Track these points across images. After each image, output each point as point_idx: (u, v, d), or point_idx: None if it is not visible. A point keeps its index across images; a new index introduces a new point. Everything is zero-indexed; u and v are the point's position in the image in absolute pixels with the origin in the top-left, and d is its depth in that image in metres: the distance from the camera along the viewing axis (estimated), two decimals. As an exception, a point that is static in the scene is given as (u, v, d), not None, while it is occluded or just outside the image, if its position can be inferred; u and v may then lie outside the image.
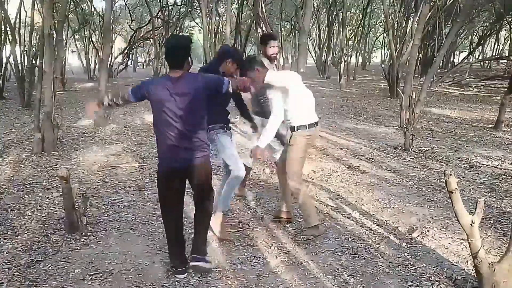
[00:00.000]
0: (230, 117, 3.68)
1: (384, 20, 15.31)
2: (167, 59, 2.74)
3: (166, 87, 2.68)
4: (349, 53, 19.66)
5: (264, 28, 10.70)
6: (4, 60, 11.36)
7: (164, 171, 2.84)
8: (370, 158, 5.94)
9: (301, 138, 3.45)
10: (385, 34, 22.61)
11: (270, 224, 3.78)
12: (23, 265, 3.04)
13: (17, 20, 11.45)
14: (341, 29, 17.86)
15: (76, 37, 21.76)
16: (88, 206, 3.87)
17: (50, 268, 3.01)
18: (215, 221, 3.45)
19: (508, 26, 19.09)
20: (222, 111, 3.58)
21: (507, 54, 21.38)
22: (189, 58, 2.77)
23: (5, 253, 3.21)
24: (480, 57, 23.52)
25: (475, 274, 2.65)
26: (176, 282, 2.83)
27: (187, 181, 2.94)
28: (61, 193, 3.69)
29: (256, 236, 3.54)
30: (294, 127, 3.43)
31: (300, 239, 3.45)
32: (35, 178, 4.99)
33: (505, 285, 2.49)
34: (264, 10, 10.89)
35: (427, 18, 9.34)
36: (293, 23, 21.82)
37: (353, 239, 3.49)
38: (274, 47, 4.12)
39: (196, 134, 2.77)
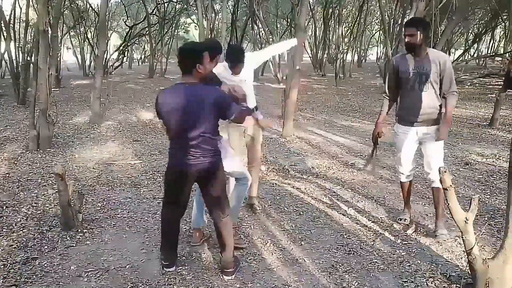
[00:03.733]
0: None
1: (380, 18, 15.33)
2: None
3: (175, 95, 2.67)
4: (345, 51, 19.68)
5: (260, 26, 10.70)
6: (-1, 57, 11.31)
7: (172, 172, 2.81)
8: (365, 156, 5.96)
9: None
10: (381, 32, 22.71)
11: (266, 221, 3.79)
12: (18, 262, 3.03)
13: (12, 17, 11.39)
14: (337, 26, 17.91)
15: (71, 33, 21.65)
16: (84, 203, 3.86)
17: (45, 265, 3.00)
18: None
19: (503, 24, 19.16)
20: None
21: (502, 52, 21.44)
22: (200, 65, 2.63)
23: (0, 250, 3.20)
24: (475, 55, 23.59)
25: (469, 270, 2.67)
26: (172, 279, 2.83)
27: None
28: (56, 190, 3.68)
29: (251, 233, 3.55)
30: (256, 107, 3.65)
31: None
32: (31, 175, 4.97)
33: (499, 282, 2.50)
34: (260, 7, 10.87)
35: (422, 15, 9.36)
36: (289, 20, 21.80)
37: (348, 236, 3.51)
38: (407, 34, 3.33)
39: (204, 143, 2.69)
